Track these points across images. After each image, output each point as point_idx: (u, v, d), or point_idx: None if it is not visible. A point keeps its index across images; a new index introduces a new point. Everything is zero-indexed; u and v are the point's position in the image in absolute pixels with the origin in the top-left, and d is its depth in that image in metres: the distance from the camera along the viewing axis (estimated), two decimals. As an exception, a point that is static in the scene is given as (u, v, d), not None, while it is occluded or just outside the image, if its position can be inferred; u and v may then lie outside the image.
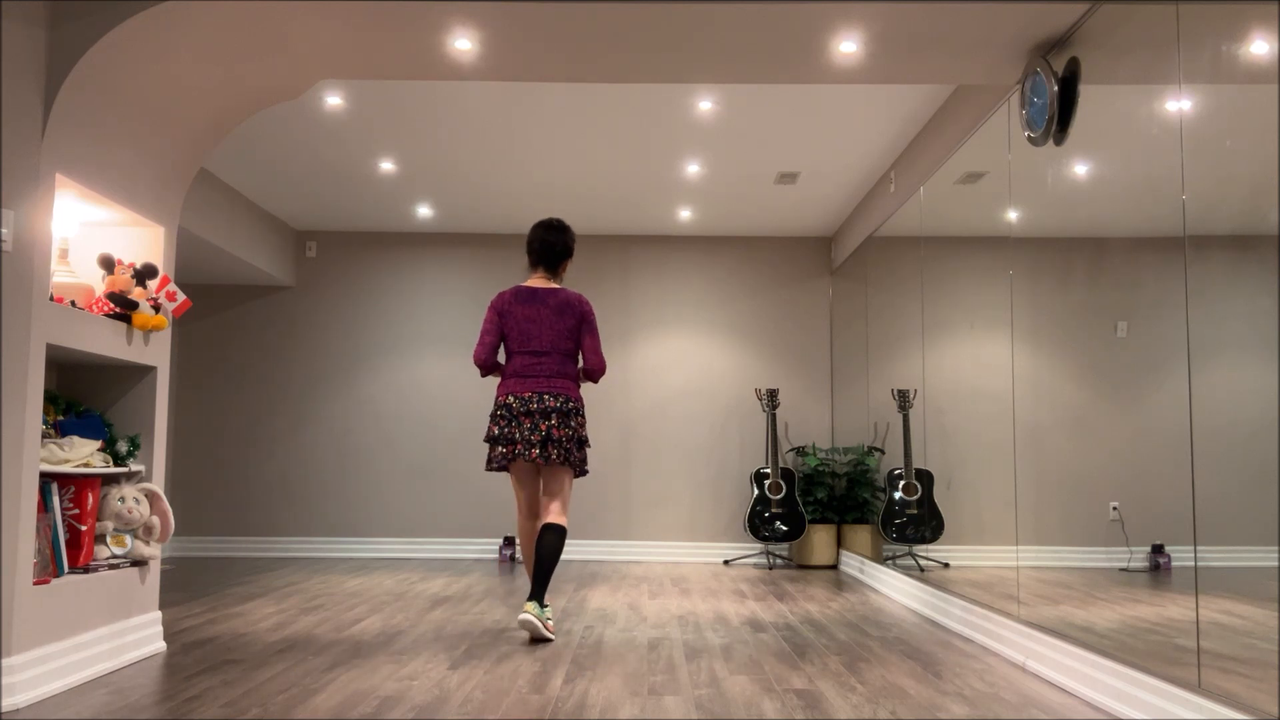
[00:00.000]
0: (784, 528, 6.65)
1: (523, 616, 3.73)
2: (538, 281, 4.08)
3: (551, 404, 3.92)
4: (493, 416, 3.98)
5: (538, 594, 3.83)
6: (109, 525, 3.30)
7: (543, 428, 3.90)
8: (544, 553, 3.86)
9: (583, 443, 4.00)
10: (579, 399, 4.01)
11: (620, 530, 7.17)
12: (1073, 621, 3.11)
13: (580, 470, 4.03)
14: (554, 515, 3.96)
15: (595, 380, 4.10)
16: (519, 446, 3.90)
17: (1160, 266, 2.62)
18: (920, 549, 4.80)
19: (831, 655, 3.58)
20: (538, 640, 3.84)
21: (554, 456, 3.90)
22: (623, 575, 6.16)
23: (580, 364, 4.14)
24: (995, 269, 3.83)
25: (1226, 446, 2.32)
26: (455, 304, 7.35)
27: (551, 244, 4.08)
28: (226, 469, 7.22)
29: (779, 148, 5.36)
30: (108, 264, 3.35)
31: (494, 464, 3.96)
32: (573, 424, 3.95)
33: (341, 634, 3.92)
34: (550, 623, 3.89)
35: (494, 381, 7.26)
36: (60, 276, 3.33)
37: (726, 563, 7.01)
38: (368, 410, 7.28)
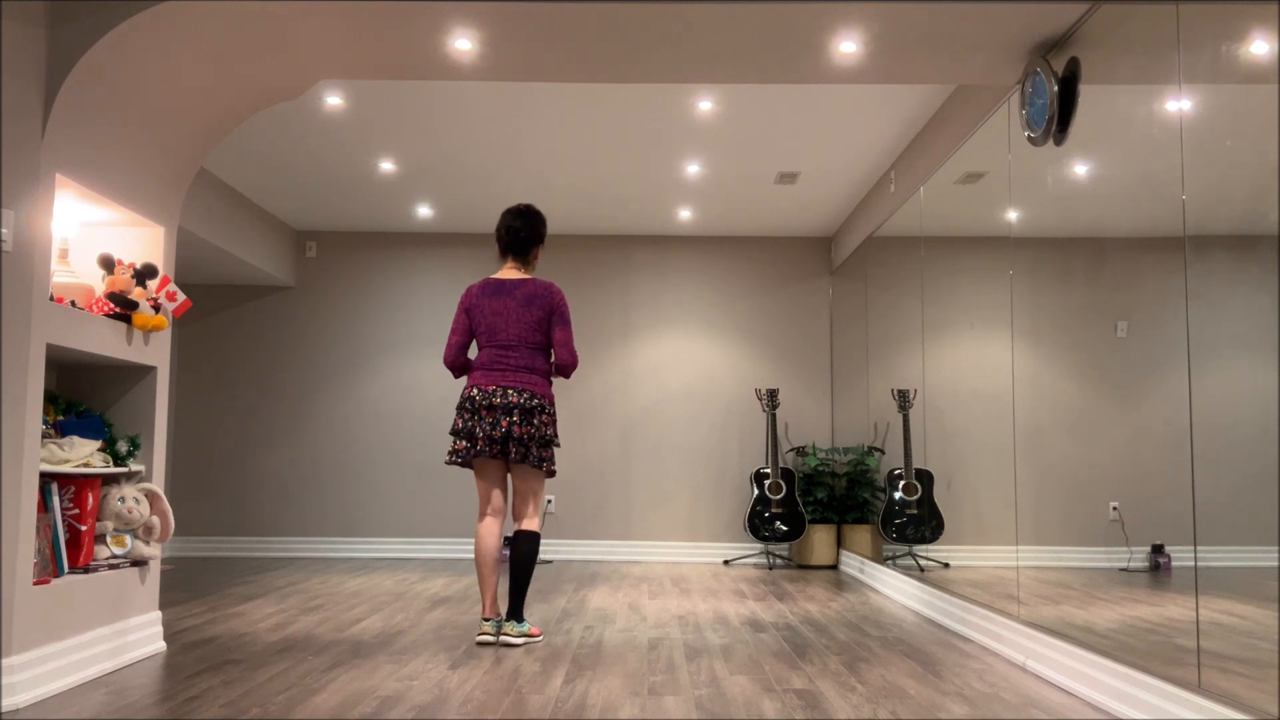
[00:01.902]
0: (784, 528, 6.65)
1: (503, 638, 3.69)
2: (507, 272, 3.90)
3: (515, 399, 3.71)
4: (458, 409, 3.79)
5: (516, 610, 3.74)
6: (109, 525, 3.30)
7: (503, 424, 3.70)
8: (521, 561, 3.74)
9: (547, 441, 3.79)
10: (546, 395, 3.80)
11: (620, 530, 7.17)
12: (1073, 621, 3.11)
13: (542, 470, 3.83)
14: (527, 520, 3.81)
15: (566, 375, 3.86)
16: (480, 443, 3.71)
17: (1160, 266, 2.62)
18: (920, 549, 4.80)
19: (831, 655, 3.58)
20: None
21: (514, 455, 3.72)
22: (623, 575, 6.16)
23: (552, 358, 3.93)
24: (995, 269, 3.83)
25: (1226, 446, 2.32)
26: (455, 304, 7.34)
27: (517, 230, 3.88)
28: (226, 469, 7.22)
29: (779, 148, 5.36)
30: (108, 264, 3.35)
31: (454, 458, 3.77)
32: (535, 422, 3.74)
33: (341, 634, 3.92)
34: (535, 628, 3.86)
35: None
36: (60, 276, 3.33)
37: (726, 563, 7.01)
38: (368, 410, 7.28)
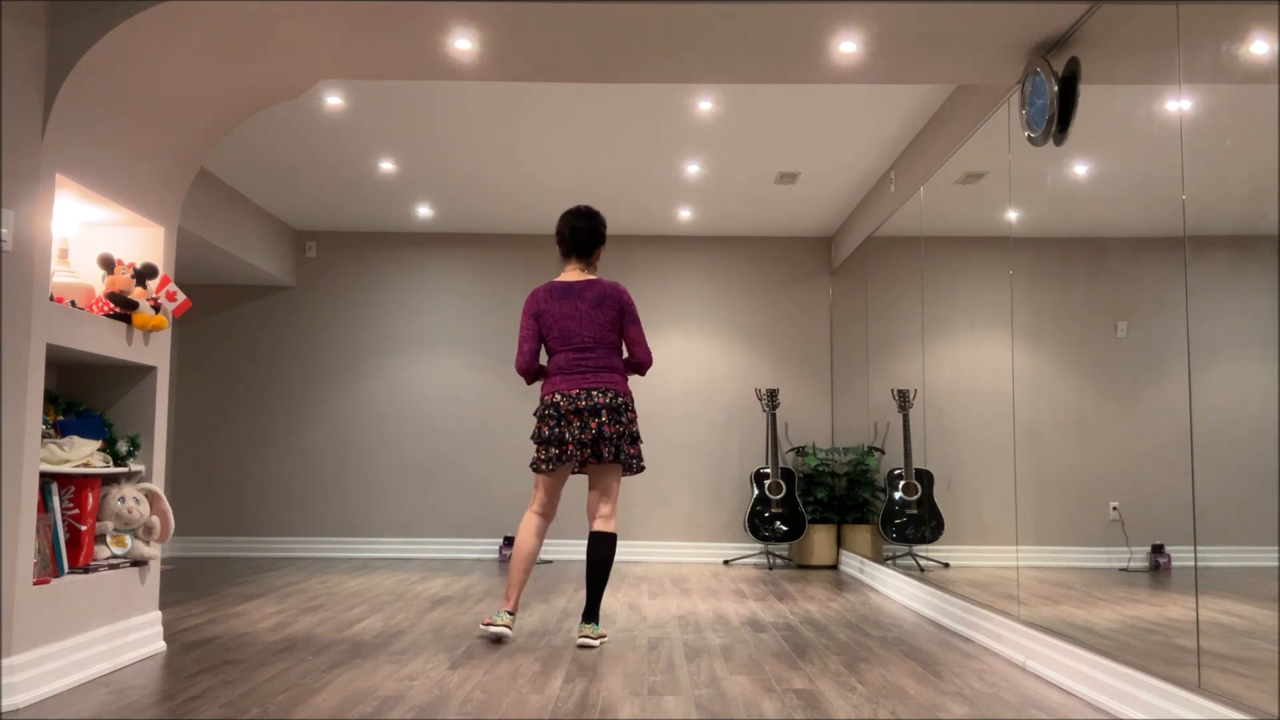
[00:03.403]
0: (784, 528, 6.65)
1: (582, 640, 3.68)
2: (572, 274, 3.91)
3: (600, 400, 3.74)
4: (540, 416, 3.80)
5: (594, 613, 3.75)
6: (109, 525, 3.30)
7: (593, 425, 3.73)
8: (597, 563, 3.74)
9: (635, 438, 3.82)
10: (628, 393, 3.83)
11: (620, 530, 7.16)
12: (1073, 621, 3.11)
13: (633, 467, 3.83)
14: (603, 522, 3.81)
15: (642, 373, 3.91)
16: (570, 447, 3.74)
17: (1160, 266, 2.62)
18: (920, 549, 4.80)
19: (831, 655, 3.58)
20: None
21: (606, 454, 3.73)
22: (623, 575, 6.16)
23: (625, 356, 3.93)
24: (995, 269, 3.83)
25: (1226, 446, 2.32)
26: (455, 304, 7.35)
27: (582, 231, 3.90)
28: (226, 469, 7.22)
29: (779, 148, 5.36)
30: (108, 264, 3.35)
31: (543, 465, 3.78)
32: (624, 419, 3.77)
33: (341, 634, 3.92)
34: (604, 630, 3.85)
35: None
36: (60, 276, 3.33)
37: (726, 563, 7.01)
38: (368, 410, 7.27)
